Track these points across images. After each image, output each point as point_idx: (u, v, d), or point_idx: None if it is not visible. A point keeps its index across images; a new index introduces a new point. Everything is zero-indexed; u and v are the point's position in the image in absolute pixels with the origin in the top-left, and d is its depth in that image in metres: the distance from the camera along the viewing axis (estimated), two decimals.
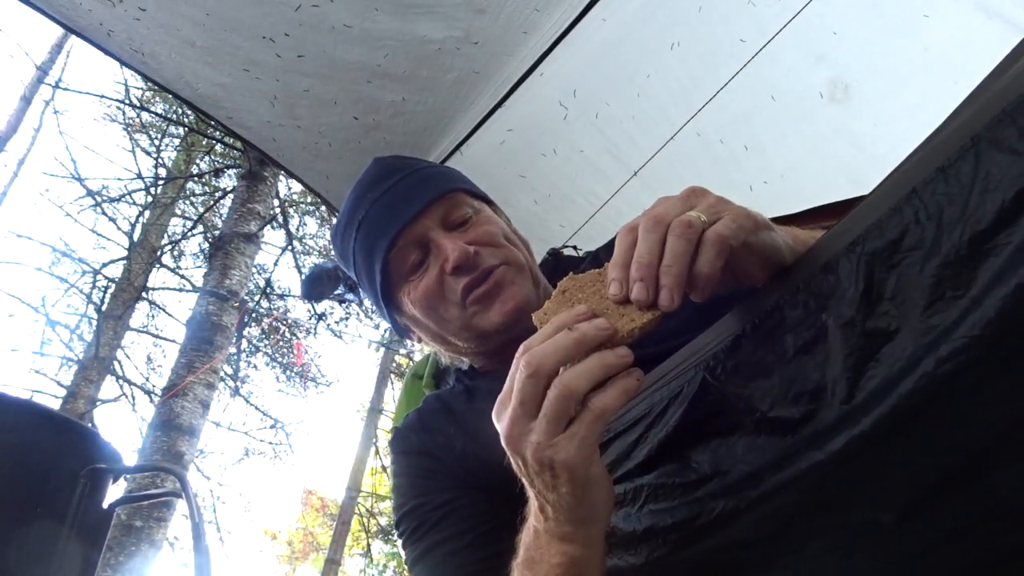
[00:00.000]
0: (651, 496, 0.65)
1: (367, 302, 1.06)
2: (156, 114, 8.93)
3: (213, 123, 1.99)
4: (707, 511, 0.59)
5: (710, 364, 0.62)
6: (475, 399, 1.00)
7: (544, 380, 0.53)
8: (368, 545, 11.15)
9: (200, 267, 8.91)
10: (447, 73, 1.96)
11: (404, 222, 0.95)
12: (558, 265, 1.16)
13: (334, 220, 1.26)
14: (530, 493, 0.59)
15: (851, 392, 0.50)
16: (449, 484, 0.93)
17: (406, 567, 0.94)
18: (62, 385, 7.86)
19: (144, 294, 8.45)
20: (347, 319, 9.23)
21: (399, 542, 0.96)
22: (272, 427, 9.05)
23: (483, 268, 0.95)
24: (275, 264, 9.25)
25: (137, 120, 8.95)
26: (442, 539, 0.89)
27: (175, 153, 9.40)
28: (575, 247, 1.46)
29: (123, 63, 1.85)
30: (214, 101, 1.95)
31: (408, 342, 1.11)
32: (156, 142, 9.01)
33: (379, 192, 0.98)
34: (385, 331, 8.44)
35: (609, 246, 1.04)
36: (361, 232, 0.99)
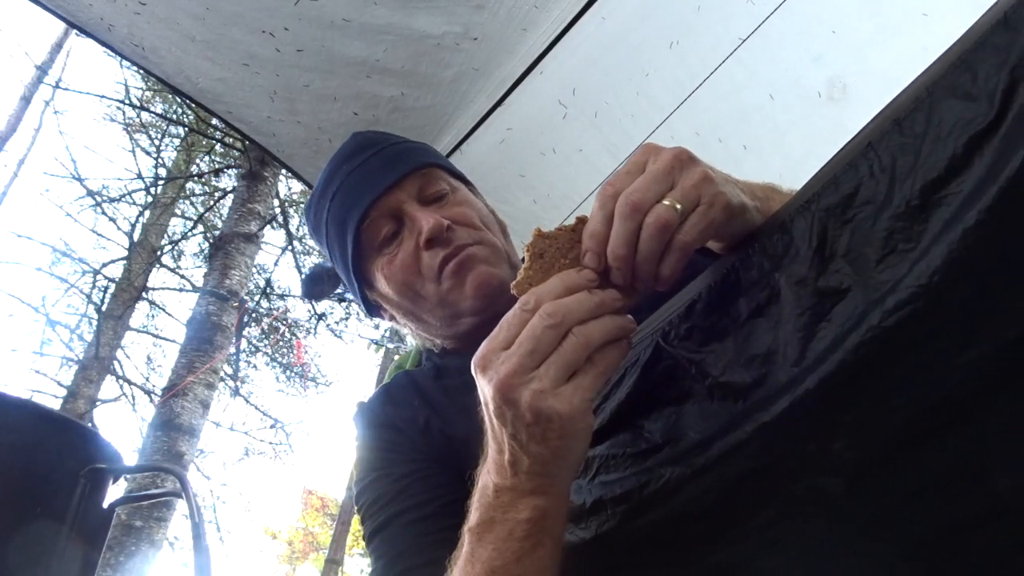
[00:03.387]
0: (602, 467, 0.64)
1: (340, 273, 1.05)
2: (156, 114, 8.93)
3: (214, 118, 2.00)
4: (655, 479, 0.57)
5: (665, 330, 0.61)
6: (443, 376, 0.99)
7: (564, 331, 0.54)
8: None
9: (200, 267, 8.92)
10: (446, 69, 1.96)
11: (378, 193, 0.93)
12: None
13: None
14: (500, 447, 0.58)
15: (802, 353, 0.48)
16: (411, 456, 0.91)
17: (364, 541, 0.92)
18: (62, 385, 7.87)
19: (144, 294, 8.45)
20: (347, 319, 9.24)
21: (359, 516, 0.94)
22: (272, 427, 9.05)
23: (456, 244, 0.93)
24: (275, 264, 9.28)
25: (137, 120, 8.95)
26: (402, 509, 0.86)
27: (175, 153, 9.40)
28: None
29: (124, 57, 1.86)
30: (214, 96, 1.95)
31: (377, 320, 1.09)
32: (156, 142, 9.01)
33: (355, 164, 0.97)
34: (385, 331, 8.44)
35: None
36: (335, 202, 0.97)
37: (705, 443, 0.54)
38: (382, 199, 0.94)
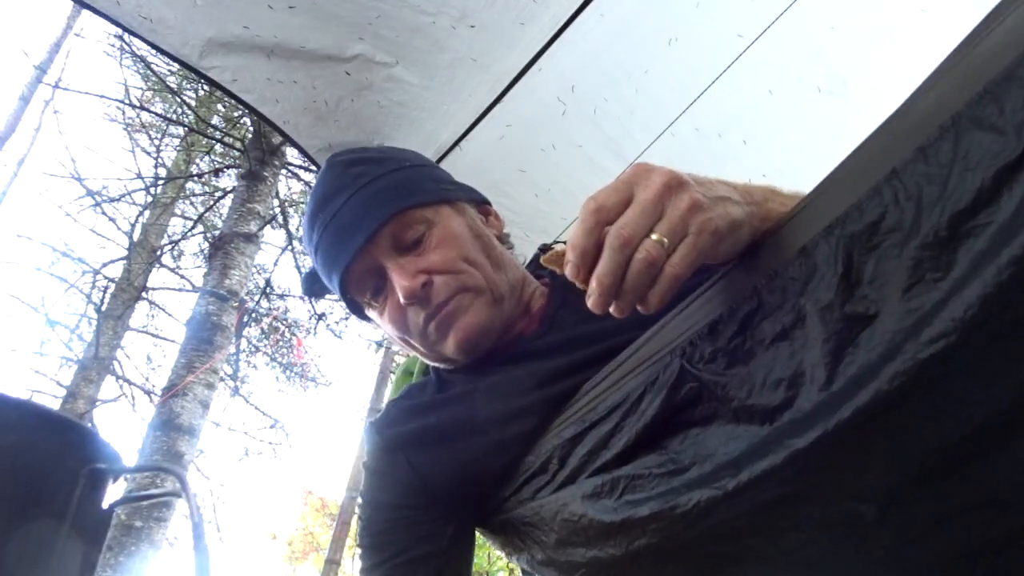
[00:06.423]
0: (628, 487, 0.65)
1: None
2: (156, 114, 8.92)
3: (219, 90, 1.99)
4: (685, 501, 0.58)
5: (687, 351, 0.62)
6: (446, 389, 1.00)
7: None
8: None
9: (200, 267, 8.91)
10: (443, 52, 1.96)
11: (353, 254, 0.93)
12: None
13: None
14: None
15: (830, 378, 0.49)
16: (398, 490, 0.93)
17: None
18: (62, 385, 7.86)
19: (144, 294, 8.45)
20: (347, 319, 9.22)
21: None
22: (272, 427, 9.06)
23: (436, 303, 0.93)
24: (275, 264, 9.31)
25: (137, 120, 8.94)
26: (380, 548, 0.92)
27: (175, 153, 9.39)
28: (566, 242, 1.45)
29: (131, 32, 1.84)
30: (218, 69, 1.95)
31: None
32: (156, 142, 9.00)
33: (329, 215, 0.96)
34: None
35: None
36: (319, 257, 0.99)
37: (733, 466, 0.55)
38: (359, 260, 0.94)
